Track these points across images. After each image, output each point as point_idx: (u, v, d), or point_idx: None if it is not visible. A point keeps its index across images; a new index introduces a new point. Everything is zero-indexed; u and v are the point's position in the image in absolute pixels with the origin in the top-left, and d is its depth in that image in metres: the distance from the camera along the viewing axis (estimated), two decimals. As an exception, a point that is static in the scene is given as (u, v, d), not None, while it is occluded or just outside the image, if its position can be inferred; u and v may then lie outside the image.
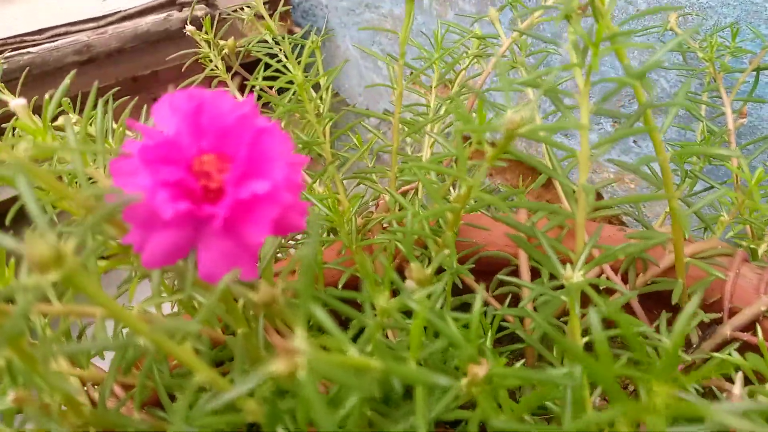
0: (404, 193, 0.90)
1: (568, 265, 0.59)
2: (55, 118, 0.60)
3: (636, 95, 0.65)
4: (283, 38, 0.94)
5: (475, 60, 0.92)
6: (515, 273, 0.84)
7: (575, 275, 0.59)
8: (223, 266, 0.44)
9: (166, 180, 0.41)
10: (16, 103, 0.58)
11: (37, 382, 0.45)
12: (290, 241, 0.86)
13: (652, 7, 1.12)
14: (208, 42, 1.03)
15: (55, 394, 0.44)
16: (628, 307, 0.74)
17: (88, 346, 0.37)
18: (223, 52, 1.01)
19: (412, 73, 0.80)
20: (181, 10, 1.87)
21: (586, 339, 0.61)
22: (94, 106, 0.62)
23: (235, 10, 1.07)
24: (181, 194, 0.42)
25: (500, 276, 0.71)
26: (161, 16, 1.85)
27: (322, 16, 2.06)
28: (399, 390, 0.46)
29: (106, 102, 0.64)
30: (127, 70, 1.80)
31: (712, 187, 0.88)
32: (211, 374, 0.39)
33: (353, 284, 0.75)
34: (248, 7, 1.00)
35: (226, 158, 0.45)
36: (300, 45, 0.93)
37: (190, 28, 1.03)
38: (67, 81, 0.62)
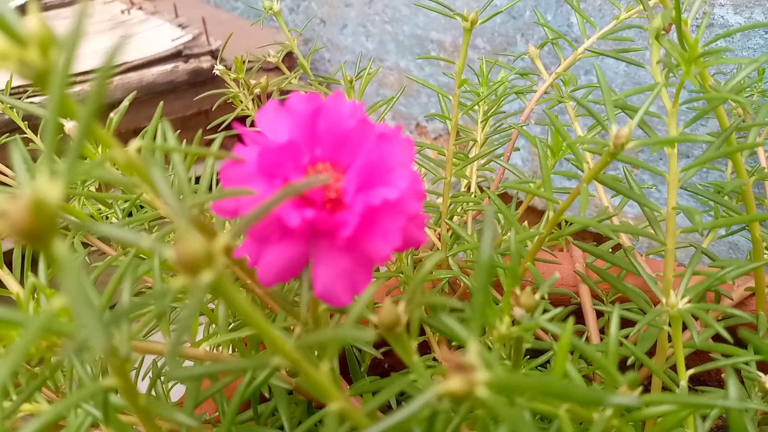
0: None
1: (672, 292, 0.56)
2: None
3: (718, 118, 0.63)
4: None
5: (517, 96, 0.90)
6: (579, 312, 0.80)
7: (680, 303, 0.55)
8: (341, 284, 0.39)
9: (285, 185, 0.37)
10: (69, 126, 0.54)
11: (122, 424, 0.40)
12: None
13: (745, 24, 1.12)
14: (236, 82, 1.00)
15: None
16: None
17: (212, 368, 0.31)
18: (255, 91, 0.98)
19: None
20: (186, 62, 1.85)
21: (690, 372, 0.57)
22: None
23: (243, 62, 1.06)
24: (301, 203, 0.38)
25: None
26: (167, 67, 1.83)
27: (324, 71, 2.06)
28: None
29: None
30: (130, 122, 1.77)
31: None
32: (349, 405, 0.34)
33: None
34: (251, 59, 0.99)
35: (339, 168, 0.41)
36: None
37: (219, 68, 1.00)
38: (126, 103, 0.58)
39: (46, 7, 2.11)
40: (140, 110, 1.73)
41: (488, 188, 0.82)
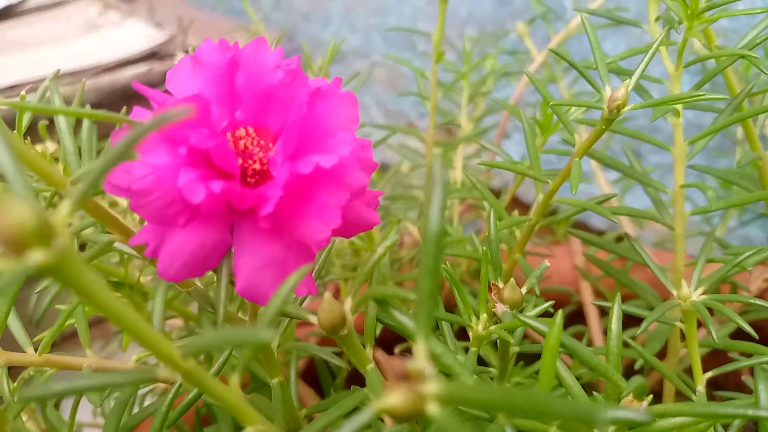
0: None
1: (683, 283, 0.47)
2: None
3: (727, 82, 0.55)
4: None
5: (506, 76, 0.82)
6: (579, 312, 0.72)
7: (693, 294, 0.47)
8: (270, 276, 0.31)
9: (192, 154, 0.29)
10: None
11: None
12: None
13: None
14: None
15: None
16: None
17: (83, 384, 0.23)
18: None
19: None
20: (162, 63, 1.78)
21: (708, 375, 0.48)
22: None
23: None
24: (212, 175, 0.30)
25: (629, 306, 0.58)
26: (142, 69, 1.76)
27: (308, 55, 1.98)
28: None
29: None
30: (105, 126, 1.69)
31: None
32: (268, 426, 0.25)
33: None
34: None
35: (267, 134, 0.33)
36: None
37: (180, 55, 0.93)
38: (46, 83, 0.50)
39: (22, 12, 2.05)
40: (116, 112, 1.66)
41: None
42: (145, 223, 0.30)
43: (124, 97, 1.77)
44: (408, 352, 0.65)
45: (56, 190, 0.29)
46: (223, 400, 0.25)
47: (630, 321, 0.53)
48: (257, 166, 0.32)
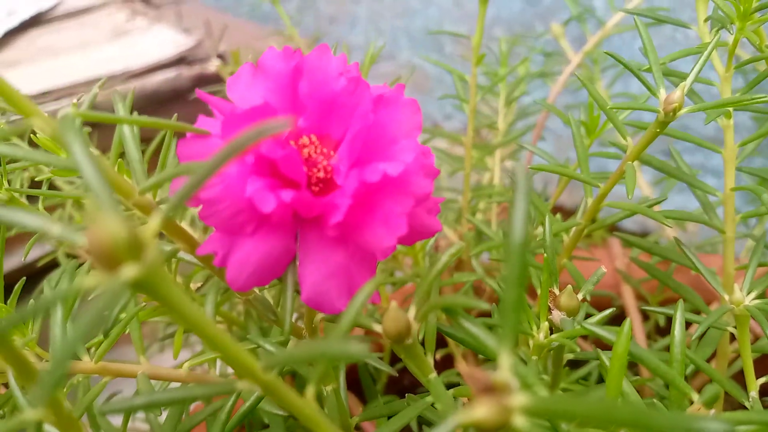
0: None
1: (736, 287, 0.47)
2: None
3: (778, 83, 0.54)
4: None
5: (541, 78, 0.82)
6: (620, 316, 0.71)
7: (746, 298, 0.46)
8: (335, 285, 0.31)
9: (259, 163, 0.29)
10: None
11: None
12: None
13: None
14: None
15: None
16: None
17: (164, 397, 0.23)
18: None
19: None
20: (190, 68, 1.80)
21: (762, 380, 0.48)
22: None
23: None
24: (279, 185, 0.30)
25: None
26: (171, 74, 1.78)
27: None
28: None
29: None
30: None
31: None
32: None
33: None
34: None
35: (329, 141, 0.33)
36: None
37: (216, 62, 0.94)
38: (96, 90, 0.51)
39: (51, 20, 2.08)
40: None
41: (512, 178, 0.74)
42: (211, 232, 0.30)
43: (153, 103, 1.79)
44: (451, 358, 0.65)
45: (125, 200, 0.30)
46: (300, 412, 0.25)
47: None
48: (321, 174, 0.32)
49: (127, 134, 0.31)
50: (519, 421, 0.20)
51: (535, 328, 0.35)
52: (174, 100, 1.79)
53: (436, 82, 1.68)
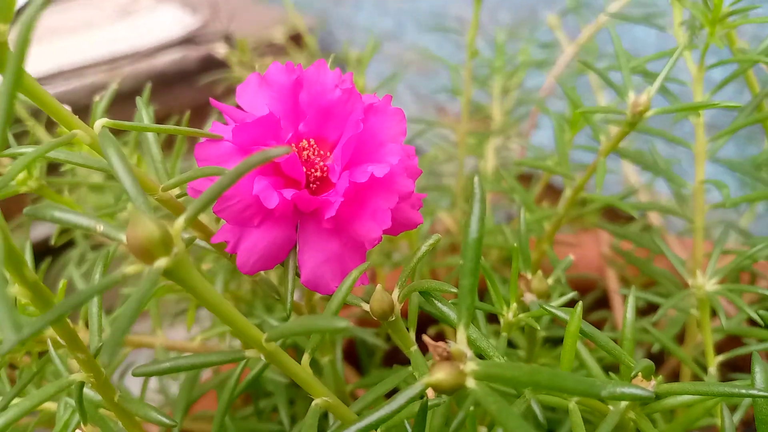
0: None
1: (698, 272, 0.51)
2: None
3: (748, 83, 0.58)
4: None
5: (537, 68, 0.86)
6: (605, 298, 0.76)
7: (708, 283, 0.51)
8: (330, 270, 0.36)
9: (266, 165, 0.34)
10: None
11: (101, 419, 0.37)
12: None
13: None
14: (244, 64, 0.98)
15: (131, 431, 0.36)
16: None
17: (186, 362, 0.28)
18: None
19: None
20: (197, 48, 1.83)
21: (720, 358, 0.52)
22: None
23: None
24: (281, 184, 0.35)
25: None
26: (178, 55, 1.81)
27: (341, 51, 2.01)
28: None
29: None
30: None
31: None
32: (332, 398, 0.30)
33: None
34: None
35: (325, 144, 0.38)
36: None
37: (222, 51, 0.98)
38: (114, 86, 0.55)
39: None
40: (152, 100, 1.71)
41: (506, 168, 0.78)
42: (223, 224, 0.35)
43: (161, 84, 1.83)
44: (442, 334, 0.70)
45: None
46: (297, 375, 0.30)
47: (653, 308, 0.58)
48: (318, 173, 0.36)
49: (151, 139, 0.36)
50: (470, 383, 0.25)
51: (506, 308, 0.40)
52: (181, 81, 1.82)
53: (441, 64, 1.71)
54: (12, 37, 0.26)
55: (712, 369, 0.52)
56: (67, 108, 0.33)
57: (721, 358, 0.52)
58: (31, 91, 0.29)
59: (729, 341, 0.66)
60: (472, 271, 0.26)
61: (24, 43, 0.22)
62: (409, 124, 0.42)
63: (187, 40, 1.82)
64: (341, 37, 1.96)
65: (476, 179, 0.26)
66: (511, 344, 0.58)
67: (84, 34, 1.96)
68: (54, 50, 1.90)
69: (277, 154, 0.24)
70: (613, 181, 0.99)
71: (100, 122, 0.30)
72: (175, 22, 1.79)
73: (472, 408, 0.29)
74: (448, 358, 0.26)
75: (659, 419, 0.52)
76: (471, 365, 0.25)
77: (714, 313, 0.54)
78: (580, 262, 0.79)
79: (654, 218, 0.83)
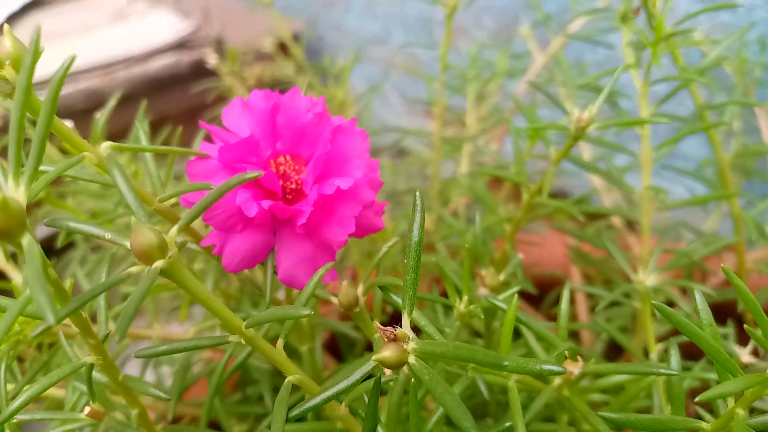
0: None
1: (640, 269, 0.57)
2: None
3: (693, 97, 0.64)
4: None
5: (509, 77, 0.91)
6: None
7: (648, 279, 0.57)
8: (303, 269, 0.42)
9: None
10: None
11: (108, 398, 0.43)
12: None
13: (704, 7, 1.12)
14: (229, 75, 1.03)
15: (133, 407, 0.42)
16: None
17: (181, 345, 0.34)
18: (250, 83, 1.01)
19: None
20: (190, 53, 1.88)
21: (660, 346, 0.59)
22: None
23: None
24: (261, 195, 0.41)
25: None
26: (170, 60, 1.85)
27: (330, 55, 2.07)
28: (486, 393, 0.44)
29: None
30: (135, 116, 1.80)
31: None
32: (304, 376, 0.36)
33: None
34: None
35: (300, 159, 0.44)
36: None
37: (212, 61, 1.04)
38: (112, 104, 0.61)
39: (54, 1, 2.14)
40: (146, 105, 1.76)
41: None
42: (211, 229, 0.41)
43: (154, 88, 1.87)
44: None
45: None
46: (272, 357, 0.36)
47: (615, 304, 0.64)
48: (293, 186, 0.42)
49: (148, 156, 0.42)
50: (411, 359, 0.31)
51: (458, 300, 0.46)
52: (173, 85, 1.87)
53: (427, 67, 1.76)
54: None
55: (653, 355, 0.58)
56: (69, 124, 0.38)
57: (660, 345, 0.58)
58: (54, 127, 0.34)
59: (676, 331, 0.73)
60: (413, 268, 0.31)
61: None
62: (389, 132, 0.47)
63: (180, 45, 1.87)
64: (331, 41, 2.01)
65: (417, 193, 0.32)
66: (478, 335, 0.64)
67: (79, 38, 1.99)
68: (51, 54, 1.93)
69: (251, 177, 0.30)
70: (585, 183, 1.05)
71: (106, 145, 0.35)
72: (168, 27, 1.84)
73: (413, 380, 0.35)
74: (395, 339, 0.32)
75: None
76: (412, 344, 0.31)
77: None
78: (545, 259, 0.85)
79: (615, 218, 0.89)
